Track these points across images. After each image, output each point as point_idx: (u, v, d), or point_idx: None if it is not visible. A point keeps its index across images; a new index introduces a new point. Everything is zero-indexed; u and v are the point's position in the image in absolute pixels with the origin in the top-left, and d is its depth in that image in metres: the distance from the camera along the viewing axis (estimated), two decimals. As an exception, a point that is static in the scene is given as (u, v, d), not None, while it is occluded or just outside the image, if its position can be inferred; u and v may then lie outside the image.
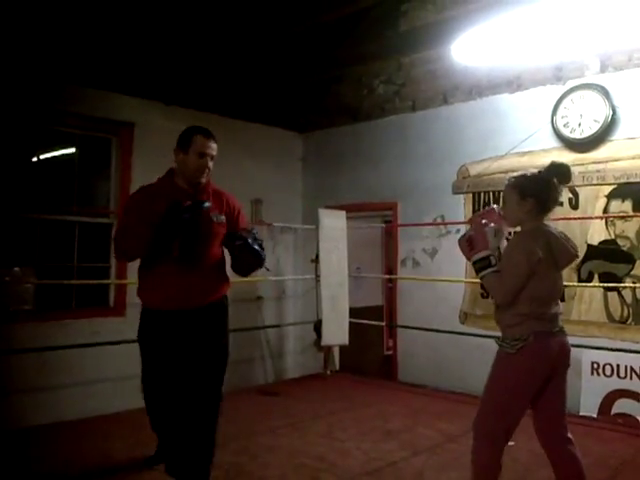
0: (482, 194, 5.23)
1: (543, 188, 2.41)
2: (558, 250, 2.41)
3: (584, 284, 4.57)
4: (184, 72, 5.08)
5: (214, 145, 2.81)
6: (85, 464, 3.43)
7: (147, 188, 2.86)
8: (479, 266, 2.39)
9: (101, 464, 3.43)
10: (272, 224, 5.89)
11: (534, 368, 2.36)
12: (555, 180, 2.41)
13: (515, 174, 2.53)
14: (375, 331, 6.35)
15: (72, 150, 4.84)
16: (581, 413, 4.44)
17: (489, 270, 2.37)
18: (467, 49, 4.55)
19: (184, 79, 5.14)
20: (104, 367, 4.53)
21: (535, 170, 2.49)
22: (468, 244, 2.42)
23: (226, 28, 4.64)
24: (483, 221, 2.45)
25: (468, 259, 2.47)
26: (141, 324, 2.86)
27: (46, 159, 4.77)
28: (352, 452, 3.71)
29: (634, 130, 4.42)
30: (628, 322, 4.39)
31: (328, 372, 5.98)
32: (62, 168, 4.80)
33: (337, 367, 6.05)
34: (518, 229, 2.53)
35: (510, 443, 3.87)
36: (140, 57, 4.82)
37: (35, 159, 4.64)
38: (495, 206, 2.58)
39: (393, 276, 5.93)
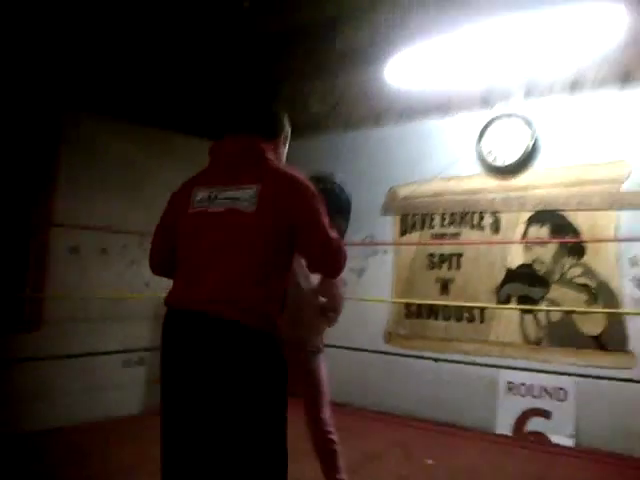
0: (410, 216, 5.35)
1: None
2: None
3: (502, 306, 4.75)
4: (118, 82, 4.95)
5: None
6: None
7: None
8: None
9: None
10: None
11: None
12: None
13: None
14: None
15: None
16: (497, 431, 4.58)
17: None
18: (399, 72, 4.68)
19: (118, 89, 5.00)
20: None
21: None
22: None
23: (159, 38, 4.58)
24: None
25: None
26: (276, 362, 1.88)
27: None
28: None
29: (553, 160, 4.65)
30: (542, 343, 4.58)
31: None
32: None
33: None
34: None
35: (429, 461, 3.97)
36: (72, 68, 4.66)
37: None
38: None
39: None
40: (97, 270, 4.91)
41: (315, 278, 2.84)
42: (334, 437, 2.91)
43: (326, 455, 2.91)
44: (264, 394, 1.83)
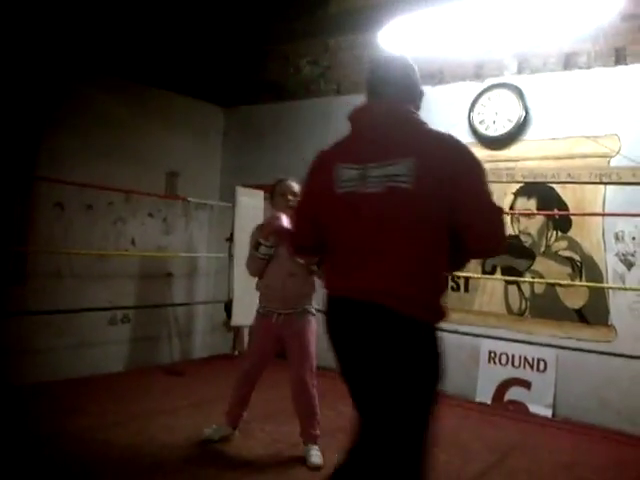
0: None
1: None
2: None
3: (487, 276, 4.78)
4: (110, 39, 4.80)
5: None
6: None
7: None
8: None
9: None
10: (187, 199, 5.73)
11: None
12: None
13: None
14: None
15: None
16: (477, 399, 4.66)
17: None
18: (393, 38, 4.58)
19: (110, 46, 4.86)
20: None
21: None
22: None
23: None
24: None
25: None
26: (433, 347, 1.82)
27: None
28: (256, 433, 3.70)
29: (543, 132, 4.63)
30: (525, 315, 4.63)
31: (236, 353, 5.93)
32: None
33: (245, 348, 6.01)
34: None
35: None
36: (66, 25, 4.51)
37: None
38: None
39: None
40: (82, 227, 4.85)
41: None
42: (315, 398, 3.25)
43: (306, 414, 3.27)
44: (426, 391, 1.78)
